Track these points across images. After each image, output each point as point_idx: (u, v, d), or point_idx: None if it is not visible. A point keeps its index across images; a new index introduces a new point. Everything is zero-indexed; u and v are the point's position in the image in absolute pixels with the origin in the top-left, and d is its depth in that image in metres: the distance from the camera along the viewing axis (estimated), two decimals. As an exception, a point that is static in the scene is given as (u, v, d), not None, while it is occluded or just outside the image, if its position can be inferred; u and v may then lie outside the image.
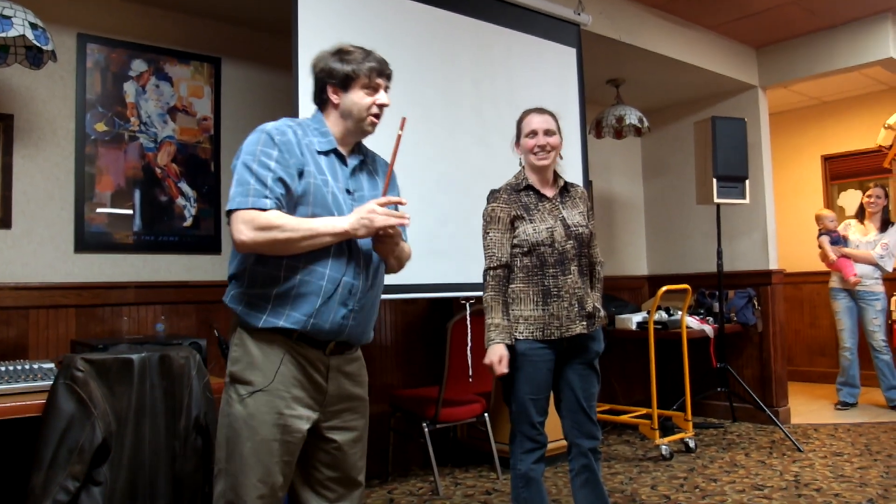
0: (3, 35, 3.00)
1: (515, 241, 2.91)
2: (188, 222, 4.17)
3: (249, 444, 2.07)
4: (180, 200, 4.15)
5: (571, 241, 2.91)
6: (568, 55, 4.71)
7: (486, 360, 2.83)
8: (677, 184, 6.61)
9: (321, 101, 2.27)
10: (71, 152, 3.80)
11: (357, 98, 2.22)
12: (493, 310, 2.88)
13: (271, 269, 2.11)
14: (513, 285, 2.91)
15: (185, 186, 4.17)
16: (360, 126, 2.23)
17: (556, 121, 3.01)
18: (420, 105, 4.00)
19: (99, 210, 3.87)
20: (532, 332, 2.85)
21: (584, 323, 2.89)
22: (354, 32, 3.85)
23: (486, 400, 4.44)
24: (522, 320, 2.86)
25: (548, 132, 2.95)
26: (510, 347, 2.85)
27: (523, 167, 3.05)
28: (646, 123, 5.77)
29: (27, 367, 2.80)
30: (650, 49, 5.26)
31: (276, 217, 2.04)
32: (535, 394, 2.86)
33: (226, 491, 2.08)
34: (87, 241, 3.82)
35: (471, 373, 4.30)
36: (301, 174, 2.11)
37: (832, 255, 6.18)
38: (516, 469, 2.91)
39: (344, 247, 2.15)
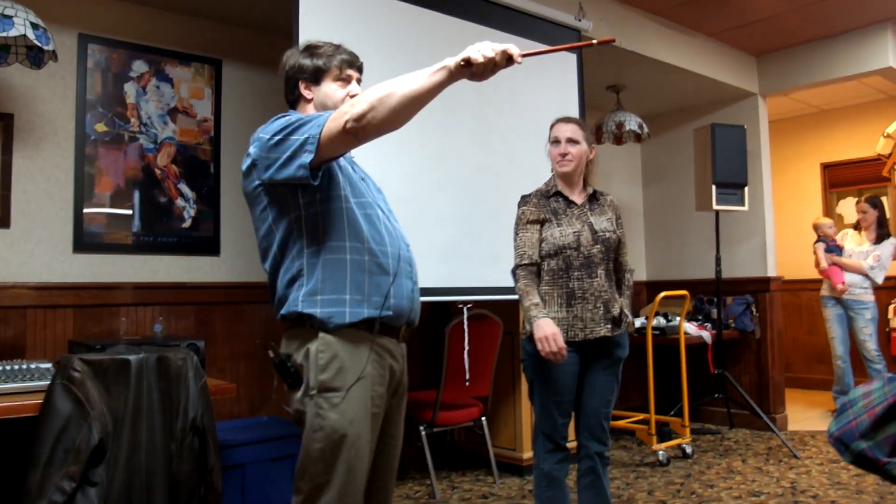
0: (4, 35, 3.00)
1: (543, 244, 2.94)
2: (187, 223, 4.17)
3: (353, 450, 2.03)
4: (180, 201, 4.15)
5: (598, 246, 2.94)
6: (568, 61, 4.72)
7: (540, 335, 2.76)
8: (676, 190, 6.62)
9: (293, 98, 2.26)
10: (71, 152, 3.80)
11: (330, 91, 2.21)
12: (528, 294, 2.89)
13: (333, 253, 2.06)
14: (539, 288, 2.93)
15: (184, 188, 4.17)
16: None
17: (584, 130, 3.05)
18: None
19: (98, 210, 3.87)
20: None
21: (609, 326, 2.92)
22: (355, 35, 3.86)
23: (483, 404, 4.44)
24: None
25: (570, 140, 3.00)
26: (533, 354, 2.87)
27: (554, 174, 3.09)
28: (646, 129, 5.78)
29: (24, 366, 2.80)
30: (650, 55, 5.27)
31: (357, 97, 1.93)
32: (560, 396, 2.89)
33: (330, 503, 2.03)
34: (86, 241, 3.82)
35: (468, 376, 4.30)
36: None
37: (823, 262, 6.19)
38: (540, 468, 2.94)
39: (385, 220, 2.17)
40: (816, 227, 6.47)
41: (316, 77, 2.21)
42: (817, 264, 6.34)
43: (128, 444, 2.46)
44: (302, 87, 2.23)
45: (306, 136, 1.94)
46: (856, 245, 6.27)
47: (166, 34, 4.17)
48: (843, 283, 6.08)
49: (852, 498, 4.04)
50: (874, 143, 6.94)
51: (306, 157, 1.93)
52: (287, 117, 2.05)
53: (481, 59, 1.83)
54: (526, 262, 2.93)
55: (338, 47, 2.26)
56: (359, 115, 1.86)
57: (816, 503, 3.97)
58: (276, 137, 1.99)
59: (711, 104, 6.50)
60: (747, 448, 5.35)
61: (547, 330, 2.75)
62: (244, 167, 2.11)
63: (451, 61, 1.86)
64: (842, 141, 7.85)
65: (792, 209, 8.09)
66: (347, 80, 2.24)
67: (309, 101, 2.23)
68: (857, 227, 6.48)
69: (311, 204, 2.07)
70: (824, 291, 6.34)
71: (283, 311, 2.10)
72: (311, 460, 2.04)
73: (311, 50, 2.25)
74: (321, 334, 2.04)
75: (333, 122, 1.91)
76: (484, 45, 1.85)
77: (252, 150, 2.07)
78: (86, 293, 3.77)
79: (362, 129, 1.88)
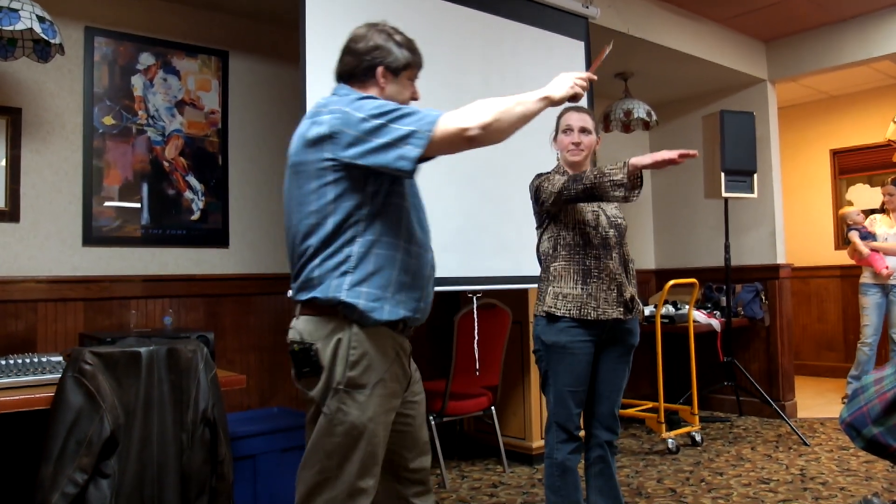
0: (11, 28, 3.01)
1: (562, 215, 2.92)
2: (196, 216, 4.18)
3: (369, 447, 2.04)
4: (188, 194, 4.16)
5: (613, 230, 2.95)
6: (576, 48, 4.70)
7: (654, 158, 2.58)
8: (685, 178, 6.59)
9: (361, 77, 2.17)
10: (79, 146, 3.81)
11: (403, 87, 2.21)
12: (587, 173, 2.75)
13: (386, 249, 2.05)
14: (555, 263, 2.93)
15: (192, 180, 4.17)
16: None
17: (593, 119, 3.05)
18: (428, 97, 3.99)
19: (107, 204, 3.88)
20: (569, 310, 2.85)
21: (621, 309, 2.91)
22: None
23: (492, 393, 4.44)
24: (561, 297, 2.87)
25: (583, 130, 2.99)
26: (548, 343, 2.88)
27: (560, 163, 3.08)
28: (654, 117, 5.75)
29: (35, 360, 2.82)
30: (659, 42, 5.24)
31: (470, 105, 1.97)
32: (574, 385, 2.88)
33: (336, 498, 2.02)
34: (95, 234, 3.83)
35: (478, 366, 4.30)
36: None
37: (865, 250, 6.04)
38: (552, 458, 2.94)
39: (424, 223, 2.18)
40: (844, 217, 6.35)
41: (397, 70, 2.18)
42: (854, 253, 6.21)
43: (139, 435, 2.47)
44: (380, 71, 2.16)
45: (413, 128, 1.93)
46: (888, 228, 6.16)
47: (173, 26, 4.17)
48: (888, 267, 5.98)
49: (862, 485, 4.04)
50: (884, 128, 6.91)
51: (412, 151, 1.92)
52: (379, 101, 2.01)
53: (583, 93, 2.19)
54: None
55: (414, 44, 2.25)
56: (486, 125, 1.93)
57: (826, 490, 3.97)
58: (376, 121, 1.95)
59: (720, 91, 6.46)
60: (757, 435, 5.34)
61: (649, 157, 2.59)
62: (311, 135, 2.03)
63: (556, 94, 2.14)
64: (851, 127, 7.80)
65: (801, 196, 8.06)
66: (413, 82, 2.26)
67: (381, 88, 2.16)
68: (882, 210, 6.39)
69: (378, 195, 2.04)
70: (866, 279, 6.19)
71: (314, 294, 2.03)
72: (326, 453, 2.03)
73: (399, 39, 2.21)
74: (355, 328, 2.02)
75: (451, 123, 1.93)
76: (570, 77, 2.22)
77: (331, 121, 1.99)
78: (95, 286, 3.79)
79: (483, 137, 1.95)
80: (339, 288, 2.00)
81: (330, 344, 2.02)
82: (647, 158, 2.61)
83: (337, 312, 2.02)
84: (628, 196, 2.67)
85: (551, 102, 2.12)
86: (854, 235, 6.13)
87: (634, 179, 2.65)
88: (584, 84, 2.20)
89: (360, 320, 2.01)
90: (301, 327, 2.07)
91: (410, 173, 1.97)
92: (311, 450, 2.06)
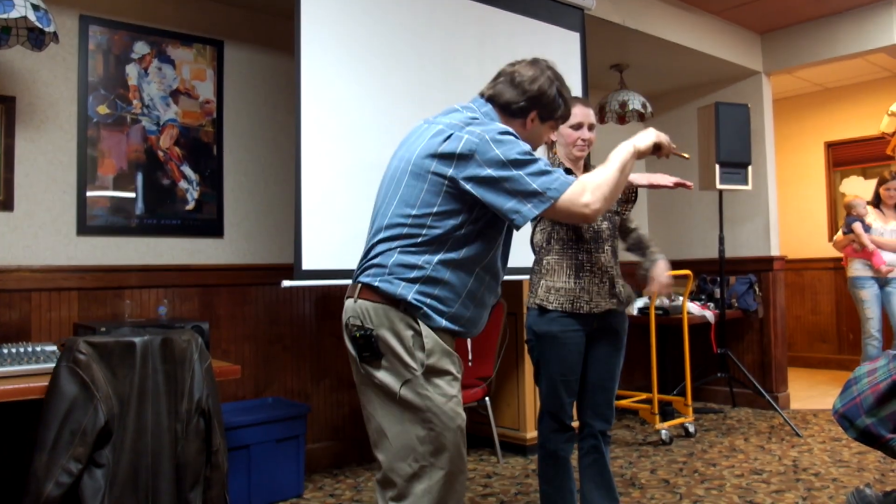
0: (5, 16, 2.99)
1: None
2: (191, 206, 4.17)
3: (458, 432, 2.05)
4: (183, 184, 4.15)
5: (606, 223, 2.96)
6: (571, 40, 4.69)
7: (651, 140, 2.43)
8: (679, 169, 6.52)
9: (514, 111, 2.22)
10: (73, 135, 3.80)
11: (542, 133, 2.30)
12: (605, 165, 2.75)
13: (463, 272, 2.08)
14: (548, 257, 2.93)
15: (187, 170, 4.16)
16: None
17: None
18: (423, 87, 3.99)
19: (101, 193, 3.87)
20: (562, 304, 2.86)
21: (614, 301, 2.93)
22: (357, 15, 3.84)
23: (487, 385, 4.45)
24: (554, 291, 2.88)
25: (591, 127, 2.99)
26: (540, 333, 2.89)
27: (555, 153, 3.06)
28: (649, 109, 5.76)
29: (30, 349, 2.81)
30: (654, 34, 5.24)
31: (589, 178, 2.07)
32: (566, 375, 2.89)
33: (434, 486, 2.02)
34: (90, 224, 3.82)
35: (471, 357, 4.31)
36: None
37: (870, 244, 5.92)
38: (545, 448, 2.95)
39: (507, 257, 2.26)
40: (851, 207, 6.18)
41: (548, 117, 2.26)
42: (844, 245, 6.04)
43: (133, 425, 2.47)
44: (533, 114, 2.22)
45: (542, 189, 1.98)
46: (882, 223, 6.09)
47: (167, 15, 4.15)
48: (885, 263, 5.94)
49: (854, 475, 4.06)
50: (878, 121, 6.91)
51: (531, 211, 1.99)
52: (521, 144, 2.03)
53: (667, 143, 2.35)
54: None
55: (569, 96, 2.32)
56: (601, 200, 2.03)
57: (818, 481, 3.99)
58: (512, 169, 1.98)
59: (715, 83, 6.47)
60: (750, 427, 5.37)
61: (650, 136, 2.45)
62: (443, 149, 2.02)
63: (642, 145, 2.28)
64: (846, 119, 7.81)
65: (795, 188, 8.07)
66: (553, 131, 2.36)
67: (525, 129, 2.23)
68: (874, 203, 6.31)
69: (478, 222, 2.07)
70: (859, 272, 6.06)
71: (380, 284, 2.05)
72: (419, 440, 2.02)
73: (562, 92, 2.27)
74: (420, 321, 2.05)
75: (577, 198, 1.99)
76: (653, 131, 2.36)
77: (469, 143, 2.00)
78: (90, 276, 3.78)
79: (599, 213, 2.04)
80: (408, 289, 2.03)
81: (397, 332, 2.03)
82: (644, 179, 2.68)
83: (398, 305, 2.04)
84: (621, 210, 2.75)
85: (638, 153, 2.25)
86: (858, 227, 5.99)
87: (629, 194, 2.68)
88: (667, 138, 2.37)
89: (422, 318, 2.05)
90: (362, 312, 2.07)
91: (518, 227, 2.03)
92: (399, 441, 2.04)
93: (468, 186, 2.00)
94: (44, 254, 3.69)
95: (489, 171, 1.97)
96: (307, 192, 3.60)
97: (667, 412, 5.20)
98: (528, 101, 2.20)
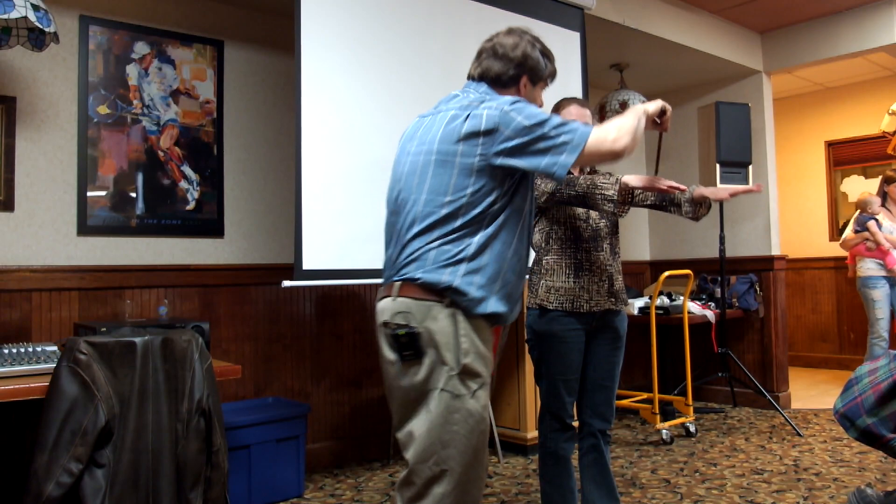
0: (5, 17, 2.99)
1: (553, 211, 2.93)
2: (191, 205, 4.17)
3: (481, 437, 2.05)
4: (183, 184, 4.15)
5: (604, 221, 2.96)
6: (571, 39, 4.69)
7: (655, 107, 2.39)
8: (680, 169, 6.59)
9: (505, 82, 2.29)
10: (73, 135, 3.80)
11: (536, 96, 2.36)
12: (580, 181, 2.76)
13: (503, 246, 2.12)
14: (547, 257, 2.94)
15: (187, 170, 4.16)
16: None
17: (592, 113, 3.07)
18: (424, 87, 3.99)
19: (102, 193, 3.87)
20: (562, 304, 2.86)
21: (613, 300, 2.94)
22: (357, 15, 3.85)
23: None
24: (553, 290, 2.88)
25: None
26: (540, 333, 2.89)
27: None
28: (649, 108, 5.74)
29: (30, 349, 2.81)
30: (654, 33, 5.24)
31: (609, 122, 2.13)
32: (566, 374, 2.89)
33: (452, 491, 2.01)
34: (90, 224, 3.82)
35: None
36: None
37: (886, 243, 5.89)
38: (546, 447, 2.95)
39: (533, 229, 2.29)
40: (866, 204, 6.11)
41: (537, 79, 2.34)
42: (855, 244, 6.03)
43: (134, 425, 2.47)
44: (524, 80, 2.30)
45: (569, 138, 2.04)
46: (890, 221, 6.06)
47: (167, 15, 4.15)
48: None
49: (855, 475, 4.06)
50: (879, 120, 6.91)
51: (568, 159, 2.04)
52: (533, 107, 2.11)
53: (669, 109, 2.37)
54: None
55: (552, 55, 2.39)
56: (627, 145, 2.08)
57: (819, 480, 3.99)
58: (538, 128, 2.04)
59: (715, 82, 6.46)
60: (750, 426, 5.36)
61: (654, 105, 2.42)
62: (466, 129, 2.07)
63: (652, 110, 2.31)
64: (846, 118, 7.81)
65: (796, 187, 8.07)
66: (542, 91, 2.42)
67: (520, 95, 2.29)
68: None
69: (507, 194, 2.12)
70: (870, 272, 6.01)
71: (423, 276, 2.05)
72: (442, 443, 2.01)
73: (545, 52, 2.35)
74: (461, 316, 2.05)
75: (602, 140, 2.06)
76: (659, 102, 2.38)
77: (490, 116, 2.06)
78: (90, 276, 3.78)
79: (625, 152, 2.09)
80: (454, 274, 2.04)
81: (440, 329, 2.03)
82: (639, 182, 2.69)
83: (444, 297, 2.04)
84: (617, 212, 2.74)
85: (647, 115, 2.28)
86: (874, 225, 5.95)
87: (625, 196, 2.69)
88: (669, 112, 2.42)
89: (467, 308, 2.05)
90: (404, 309, 2.06)
91: (561, 179, 2.09)
92: (424, 441, 2.03)
93: (500, 160, 2.05)
94: (44, 254, 3.69)
95: (518, 140, 2.04)
96: (307, 191, 3.60)
97: (667, 412, 5.20)
98: (515, 69, 2.28)
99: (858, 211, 6.17)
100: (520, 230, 2.18)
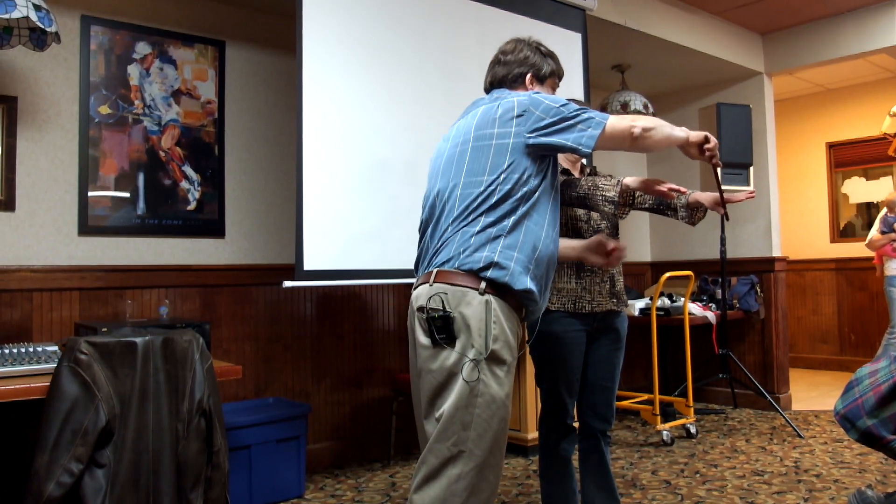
0: (7, 17, 2.99)
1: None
2: (192, 206, 4.17)
3: (502, 424, 2.09)
4: (184, 184, 4.15)
5: (605, 222, 2.96)
6: (573, 40, 4.69)
7: (697, 136, 2.34)
8: (681, 170, 6.58)
9: (511, 82, 2.48)
10: (75, 135, 3.80)
11: (546, 94, 2.42)
12: (581, 182, 2.77)
13: (536, 226, 2.20)
14: None
15: (188, 170, 4.16)
16: None
17: None
18: (424, 87, 3.99)
19: (103, 193, 3.87)
20: (564, 304, 2.86)
21: (615, 300, 2.94)
22: (358, 15, 3.85)
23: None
24: (556, 291, 2.88)
25: None
26: (541, 333, 2.88)
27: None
28: (651, 109, 5.75)
29: (31, 349, 2.81)
30: (656, 34, 5.24)
31: (636, 116, 2.27)
32: (567, 375, 2.89)
33: (468, 473, 2.03)
34: (91, 224, 3.82)
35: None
36: None
37: None
38: (546, 448, 2.95)
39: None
40: (893, 205, 6.13)
41: (543, 77, 2.51)
42: (877, 244, 6.05)
43: (135, 425, 2.47)
44: (528, 79, 2.47)
45: (591, 117, 2.19)
46: None
47: (169, 15, 4.15)
48: None
49: (855, 477, 4.06)
50: (880, 122, 6.92)
51: (594, 132, 2.17)
52: (552, 97, 2.28)
53: (714, 149, 2.30)
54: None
55: (556, 56, 2.57)
56: (648, 129, 2.19)
57: (820, 482, 3.99)
58: (562, 108, 2.20)
59: (717, 83, 6.46)
60: (751, 428, 5.36)
61: (697, 134, 2.38)
62: (500, 113, 2.23)
63: (694, 136, 2.29)
64: (847, 120, 7.81)
65: (797, 189, 8.07)
66: (554, 90, 2.56)
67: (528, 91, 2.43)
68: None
69: (538, 175, 2.23)
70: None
71: (462, 261, 2.13)
72: (462, 424, 2.04)
73: (543, 52, 2.53)
74: (493, 301, 2.09)
75: (621, 122, 2.19)
76: (703, 134, 2.31)
77: (520, 101, 2.23)
78: (91, 276, 3.78)
79: (642, 140, 2.20)
80: (493, 250, 2.12)
81: (474, 314, 2.08)
82: (640, 184, 2.69)
83: (478, 283, 2.10)
84: (617, 213, 2.80)
85: (687, 141, 2.29)
86: None
87: (626, 197, 2.70)
88: (716, 143, 2.36)
89: (504, 285, 2.11)
90: (440, 294, 2.11)
91: (587, 154, 2.22)
92: (447, 421, 2.06)
93: (533, 139, 2.19)
94: (45, 254, 3.69)
95: (547, 119, 2.19)
96: (308, 192, 3.60)
97: (668, 413, 5.20)
98: (518, 67, 2.48)
99: (884, 211, 6.17)
100: (551, 212, 2.27)
